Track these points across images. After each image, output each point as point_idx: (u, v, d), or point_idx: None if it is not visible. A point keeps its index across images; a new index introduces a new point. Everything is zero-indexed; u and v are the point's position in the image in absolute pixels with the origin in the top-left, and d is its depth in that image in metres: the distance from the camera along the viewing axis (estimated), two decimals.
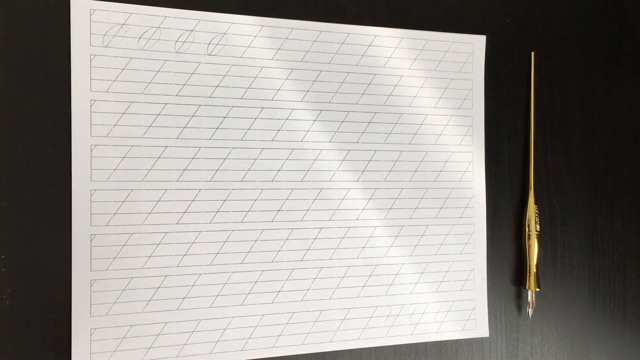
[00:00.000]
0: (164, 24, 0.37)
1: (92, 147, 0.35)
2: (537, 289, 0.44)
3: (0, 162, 0.34)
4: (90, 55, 0.36)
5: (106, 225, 0.36)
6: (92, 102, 0.36)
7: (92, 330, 0.35)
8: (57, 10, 0.35)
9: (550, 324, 0.46)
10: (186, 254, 0.37)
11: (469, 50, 0.44)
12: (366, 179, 0.41)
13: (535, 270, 0.44)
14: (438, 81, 0.44)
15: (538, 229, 0.44)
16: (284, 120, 0.40)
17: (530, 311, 0.44)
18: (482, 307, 0.44)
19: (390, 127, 0.42)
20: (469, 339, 0.44)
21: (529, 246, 0.44)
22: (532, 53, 0.46)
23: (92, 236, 0.35)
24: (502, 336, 0.45)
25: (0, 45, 0.35)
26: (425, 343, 0.42)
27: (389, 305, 0.42)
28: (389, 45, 0.42)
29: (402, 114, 0.42)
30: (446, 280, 0.43)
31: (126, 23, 0.36)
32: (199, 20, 0.38)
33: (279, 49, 0.40)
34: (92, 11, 0.36)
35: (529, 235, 0.44)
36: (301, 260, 0.40)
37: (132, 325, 0.36)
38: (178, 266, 0.37)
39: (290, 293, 0.39)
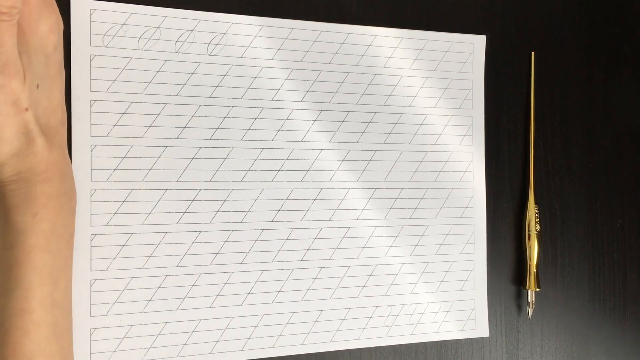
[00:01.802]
0: (164, 24, 0.37)
1: (92, 147, 0.35)
2: (537, 289, 0.44)
3: None
4: (90, 55, 0.36)
5: (106, 225, 0.36)
6: (92, 102, 0.36)
7: (92, 330, 0.35)
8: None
9: (550, 324, 0.46)
10: (186, 254, 0.37)
11: (469, 50, 0.44)
12: (366, 179, 0.41)
13: (535, 270, 0.44)
14: (438, 81, 0.44)
15: (538, 229, 0.44)
16: (284, 120, 0.40)
17: (530, 311, 0.44)
18: (482, 307, 0.44)
19: (390, 127, 0.42)
20: (469, 339, 0.44)
21: (529, 246, 0.44)
22: (532, 53, 0.46)
23: (92, 236, 0.35)
24: (502, 336, 0.45)
25: None
26: (425, 343, 0.42)
27: (389, 305, 0.42)
28: (389, 45, 0.42)
29: (402, 114, 0.42)
30: (446, 280, 0.43)
31: (126, 23, 0.36)
32: (199, 20, 0.38)
33: (279, 49, 0.40)
34: (92, 11, 0.36)
35: (529, 235, 0.44)
36: (301, 260, 0.40)
37: (132, 325, 0.36)
38: (178, 266, 0.37)
39: (290, 293, 0.39)
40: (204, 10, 0.38)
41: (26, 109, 0.27)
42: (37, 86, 0.27)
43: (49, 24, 0.28)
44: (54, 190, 0.28)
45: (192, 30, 0.38)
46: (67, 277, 0.30)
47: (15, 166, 0.27)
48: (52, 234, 0.28)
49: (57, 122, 0.29)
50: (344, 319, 0.40)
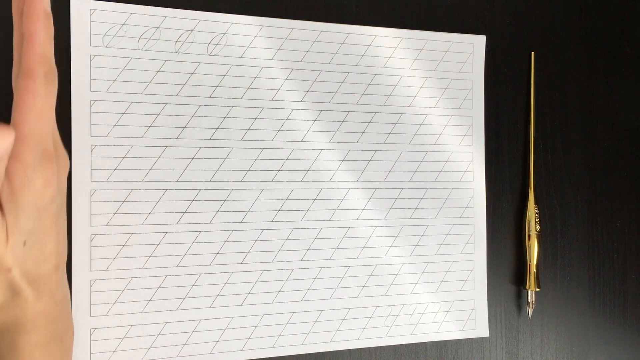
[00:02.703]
0: (164, 24, 0.37)
1: (92, 147, 0.35)
2: (537, 289, 0.44)
3: None
4: (90, 55, 0.36)
5: (106, 225, 0.36)
6: (92, 102, 0.36)
7: (92, 330, 0.35)
8: (57, 10, 0.35)
9: (550, 324, 0.46)
10: (186, 254, 0.37)
11: (469, 50, 0.44)
12: (366, 179, 0.41)
13: (535, 270, 0.44)
14: (438, 81, 0.44)
15: (538, 229, 0.44)
16: (284, 120, 0.40)
17: (530, 311, 0.44)
18: (482, 307, 0.44)
19: (390, 127, 0.42)
20: (469, 339, 0.44)
21: (529, 246, 0.44)
22: (532, 53, 0.46)
23: (92, 236, 0.35)
24: (502, 336, 0.45)
25: (0, 45, 0.35)
26: (425, 343, 0.42)
27: (389, 305, 0.42)
28: (389, 45, 0.42)
29: (402, 114, 0.42)
30: (446, 280, 0.43)
31: (126, 23, 0.36)
32: (199, 20, 0.38)
33: (279, 49, 0.40)
34: (92, 11, 0.36)
35: (529, 235, 0.44)
36: (301, 260, 0.40)
37: (132, 325, 0.36)
38: (178, 266, 0.37)
39: (290, 293, 0.39)
40: (204, 10, 0.38)
41: (9, 269, 0.25)
42: (24, 243, 0.25)
43: (45, 177, 0.25)
44: (41, 338, 0.27)
45: (192, 30, 0.38)
46: None
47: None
48: None
49: (49, 269, 0.27)
50: (344, 319, 0.40)
